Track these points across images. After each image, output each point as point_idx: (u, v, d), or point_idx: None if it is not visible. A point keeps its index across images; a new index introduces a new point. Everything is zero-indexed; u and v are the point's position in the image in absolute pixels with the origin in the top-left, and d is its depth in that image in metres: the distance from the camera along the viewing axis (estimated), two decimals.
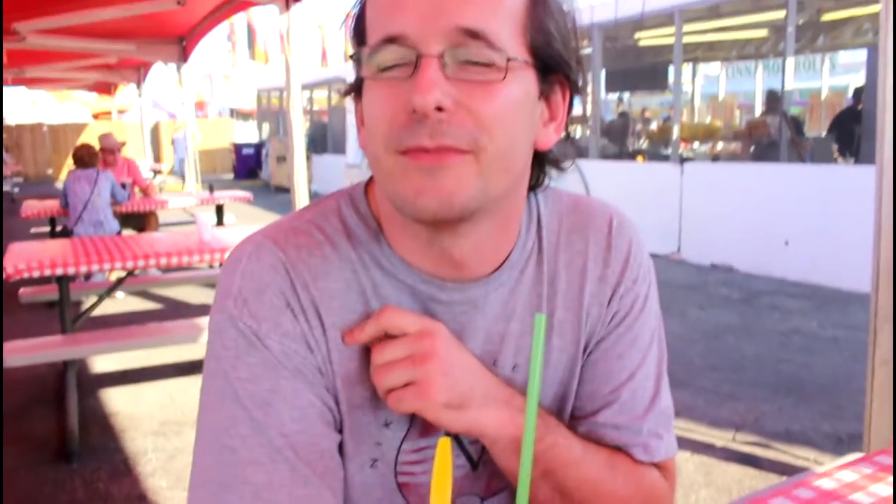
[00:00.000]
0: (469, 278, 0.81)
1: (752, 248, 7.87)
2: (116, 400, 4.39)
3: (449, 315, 0.82)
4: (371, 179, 0.83)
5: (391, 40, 0.69)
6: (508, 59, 0.69)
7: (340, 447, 0.80)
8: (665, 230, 8.74)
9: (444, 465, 0.61)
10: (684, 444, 3.64)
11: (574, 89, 0.80)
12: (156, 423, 4.03)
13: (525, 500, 0.67)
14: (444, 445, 0.62)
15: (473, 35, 0.68)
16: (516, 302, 0.85)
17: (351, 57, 0.75)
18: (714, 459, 3.52)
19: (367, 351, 0.79)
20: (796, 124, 8.75)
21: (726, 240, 8.14)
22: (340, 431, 0.80)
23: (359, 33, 0.76)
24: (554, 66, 0.76)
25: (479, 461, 0.86)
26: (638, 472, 0.87)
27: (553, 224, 0.89)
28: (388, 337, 0.78)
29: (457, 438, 0.84)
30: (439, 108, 0.67)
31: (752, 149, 9.35)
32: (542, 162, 0.84)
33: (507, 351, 0.84)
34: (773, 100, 8.70)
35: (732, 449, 3.64)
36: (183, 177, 13.88)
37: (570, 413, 0.90)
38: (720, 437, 3.76)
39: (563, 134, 0.82)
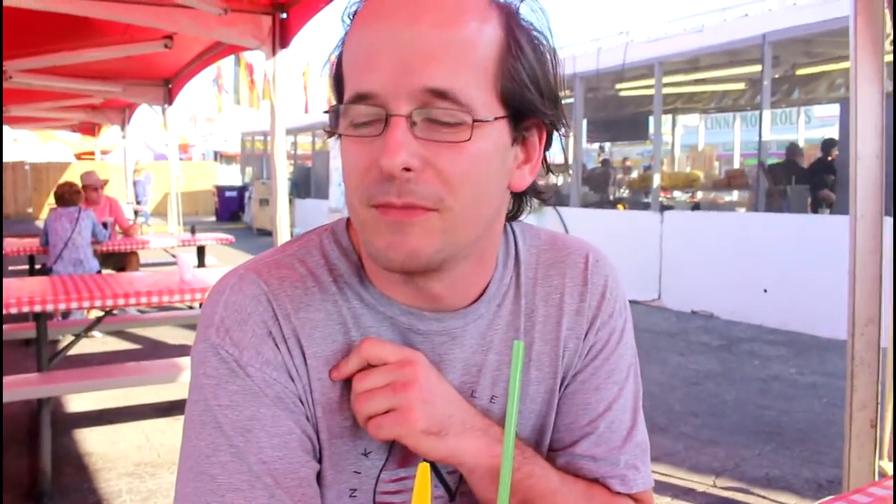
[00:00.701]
0: (447, 310, 0.83)
1: (731, 296, 7.93)
2: (91, 440, 4.31)
3: (428, 346, 0.83)
4: None
5: (362, 98, 0.72)
6: (475, 120, 0.71)
7: (319, 476, 0.81)
8: (646, 277, 8.80)
9: (423, 489, 0.61)
10: (665, 489, 3.63)
11: (552, 129, 0.82)
12: (131, 464, 3.96)
13: None
14: (424, 470, 0.62)
15: (441, 95, 0.70)
16: (494, 334, 0.86)
17: (327, 111, 0.78)
18: None
19: (347, 381, 0.80)
20: (791, 171, 8.79)
21: (706, 287, 8.21)
22: (320, 460, 0.81)
23: (338, 81, 0.79)
24: (527, 113, 0.77)
25: (456, 491, 0.87)
26: (615, 503, 0.87)
27: (531, 259, 0.91)
28: (369, 366, 0.79)
29: (434, 468, 0.84)
30: (407, 169, 0.69)
31: (731, 197, 9.46)
32: (521, 193, 0.85)
33: (484, 382, 0.86)
34: (794, 153, 8.72)
35: (713, 494, 3.62)
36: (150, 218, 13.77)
37: (549, 446, 0.90)
38: (701, 483, 3.74)
39: (539, 172, 0.83)
